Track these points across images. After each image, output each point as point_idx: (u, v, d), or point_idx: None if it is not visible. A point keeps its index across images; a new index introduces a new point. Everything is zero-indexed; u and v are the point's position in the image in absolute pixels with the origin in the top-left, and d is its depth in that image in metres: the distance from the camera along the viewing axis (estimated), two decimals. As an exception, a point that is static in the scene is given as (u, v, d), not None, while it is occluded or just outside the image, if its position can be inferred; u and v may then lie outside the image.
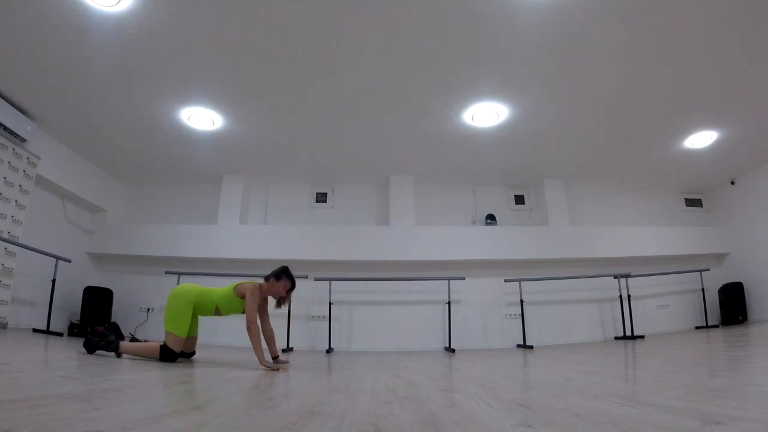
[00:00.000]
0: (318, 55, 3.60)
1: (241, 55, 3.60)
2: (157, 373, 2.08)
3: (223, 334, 5.06)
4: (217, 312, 2.91)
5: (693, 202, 6.73)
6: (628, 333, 5.25)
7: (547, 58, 3.64)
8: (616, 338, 5.52)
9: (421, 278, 5.59)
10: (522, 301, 5.32)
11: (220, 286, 3.05)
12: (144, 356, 2.74)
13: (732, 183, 6.24)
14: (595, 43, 3.45)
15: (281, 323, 5.19)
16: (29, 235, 4.57)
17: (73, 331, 4.96)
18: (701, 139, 5.08)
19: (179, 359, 2.80)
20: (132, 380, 1.68)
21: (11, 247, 4.29)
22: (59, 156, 5.03)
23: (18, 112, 4.25)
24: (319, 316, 5.56)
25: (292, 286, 3.01)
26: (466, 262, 5.76)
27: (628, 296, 5.38)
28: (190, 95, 4.19)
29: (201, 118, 4.57)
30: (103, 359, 2.71)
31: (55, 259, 4.61)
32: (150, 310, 5.64)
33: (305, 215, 6.27)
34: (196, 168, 5.89)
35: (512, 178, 6.33)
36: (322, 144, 5.22)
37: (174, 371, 2.24)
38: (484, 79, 3.96)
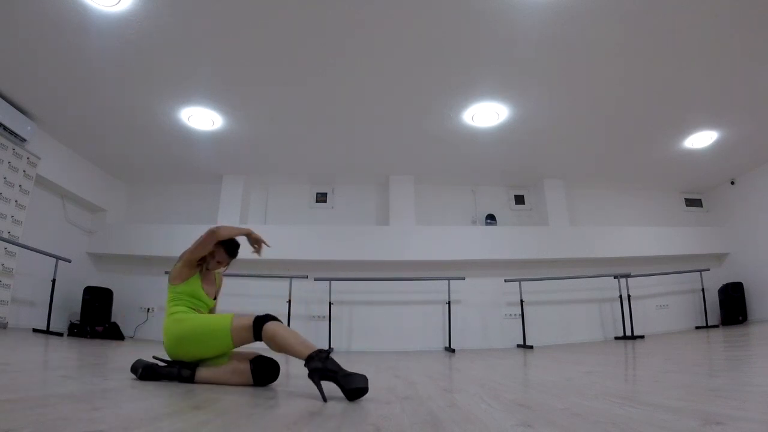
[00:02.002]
0: (318, 55, 3.60)
1: (241, 55, 3.60)
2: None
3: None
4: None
5: (693, 202, 6.73)
6: (628, 333, 5.25)
7: (547, 58, 3.64)
8: (616, 338, 5.52)
9: (421, 278, 5.59)
10: (522, 301, 5.32)
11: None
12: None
13: (732, 183, 6.24)
14: (595, 43, 3.45)
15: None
16: (29, 235, 4.56)
17: (73, 331, 4.96)
18: (701, 139, 5.08)
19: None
20: (132, 380, 1.68)
21: (11, 247, 4.29)
22: (59, 156, 5.03)
23: (18, 112, 4.25)
24: (319, 316, 5.56)
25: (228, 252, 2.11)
26: (466, 262, 5.76)
27: (628, 296, 5.38)
28: (190, 95, 4.19)
29: (201, 118, 4.57)
30: (103, 359, 2.71)
31: (55, 259, 4.61)
32: (150, 310, 5.64)
33: (305, 215, 6.27)
34: (196, 168, 5.89)
35: (512, 178, 6.33)
36: (323, 144, 5.22)
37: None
38: (484, 79, 3.96)
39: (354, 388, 1.43)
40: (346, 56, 3.63)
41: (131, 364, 1.79)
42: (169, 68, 3.75)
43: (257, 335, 1.72)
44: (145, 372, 1.68)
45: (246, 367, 1.77)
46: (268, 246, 2.10)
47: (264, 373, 1.78)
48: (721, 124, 4.75)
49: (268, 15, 3.15)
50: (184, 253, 1.97)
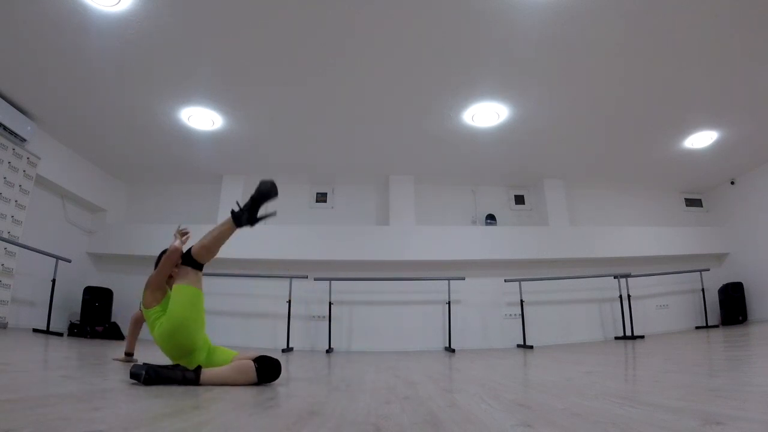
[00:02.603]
0: (318, 55, 3.60)
1: (241, 55, 3.60)
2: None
3: (224, 335, 5.06)
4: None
5: (693, 202, 6.73)
6: (628, 333, 5.25)
7: (547, 58, 3.64)
8: (616, 338, 5.52)
9: (421, 278, 5.59)
10: (522, 301, 5.32)
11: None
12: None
13: (732, 183, 6.24)
14: (595, 43, 3.45)
15: (281, 323, 5.20)
16: (29, 235, 4.56)
17: (73, 331, 4.96)
18: (701, 139, 5.07)
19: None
20: (132, 381, 1.68)
21: (11, 247, 4.29)
22: (59, 156, 5.03)
23: (18, 112, 4.25)
24: (319, 316, 5.56)
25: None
26: (466, 262, 5.76)
27: (628, 296, 5.38)
28: (190, 95, 4.19)
29: (201, 118, 4.57)
30: (103, 359, 2.71)
31: (55, 259, 4.61)
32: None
33: (305, 215, 6.27)
34: (196, 168, 5.89)
35: (512, 178, 6.32)
36: (322, 144, 5.22)
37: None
38: (484, 79, 3.96)
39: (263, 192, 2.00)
40: (346, 56, 3.62)
41: (129, 370, 1.70)
42: (169, 68, 3.75)
43: (197, 265, 1.96)
44: (149, 376, 1.65)
45: (250, 365, 1.80)
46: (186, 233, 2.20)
47: (267, 371, 1.82)
48: (721, 124, 4.75)
49: (268, 15, 3.15)
50: (150, 280, 2.01)
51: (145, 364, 1.69)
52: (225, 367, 1.82)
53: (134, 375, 1.65)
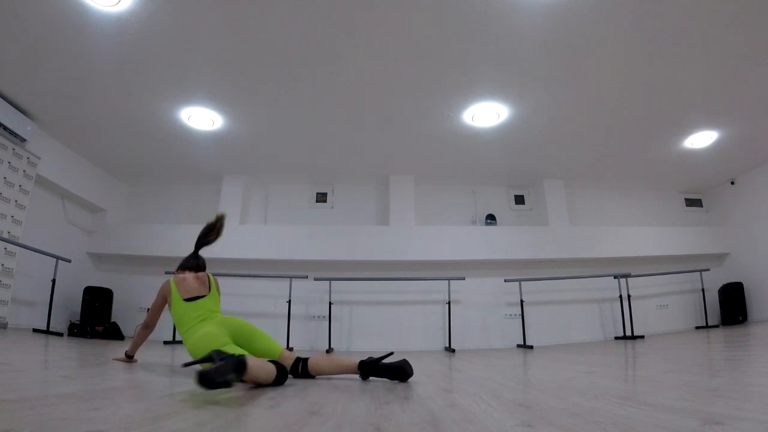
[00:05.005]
0: (318, 55, 3.60)
1: (241, 55, 3.60)
2: (158, 374, 2.08)
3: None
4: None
5: (693, 202, 6.73)
6: (628, 333, 5.25)
7: (547, 58, 3.64)
8: (616, 338, 5.52)
9: (421, 278, 5.59)
10: (522, 301, 5.32)
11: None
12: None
13: (732, 183, 6.24)
14: (595, 43, 3.45)
15: (281, 323, 5.20)
16: (29, 235, 4.56)
17: (73, 331, 4.96)
18: (701, 139, 5.08)
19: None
20: (132, 380, 1.68)
21: (11, 247, 4.29)
22: (59, 156, 5.03)
23: (18, 112, 4.25)
24: (319, 316, 5.56)
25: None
26: (466, 262, 5.76)
27: (628, 296, 5.38)
28: (190, 95, 4.19)
29: (201, 118, 4.57)
30: (103, 359, 2.71)
31: (55, 259, 4.61)
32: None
33: (305, 215, 6.28)
34: (196, 168, 5.89)
35: (512, 178, 6.33)
36: (322, 144, 5.22)
37: (174, 372, 2.24)
38: (484, 79, 3.96)
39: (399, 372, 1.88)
40: (346, 56, 3.63)
41: (197, 379, 1.32)
42: (169, 68, 3.75)
43: (304, 372, 2.00)
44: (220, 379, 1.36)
45: (272, 369, 1.73)
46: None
47: (283, 374, 1.78)
48: (721, 124, 4.75)
49: (268, 15, 3.15)
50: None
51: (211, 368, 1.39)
52: (268, 363, 1.74)
53: (206, 382, 1.32)
